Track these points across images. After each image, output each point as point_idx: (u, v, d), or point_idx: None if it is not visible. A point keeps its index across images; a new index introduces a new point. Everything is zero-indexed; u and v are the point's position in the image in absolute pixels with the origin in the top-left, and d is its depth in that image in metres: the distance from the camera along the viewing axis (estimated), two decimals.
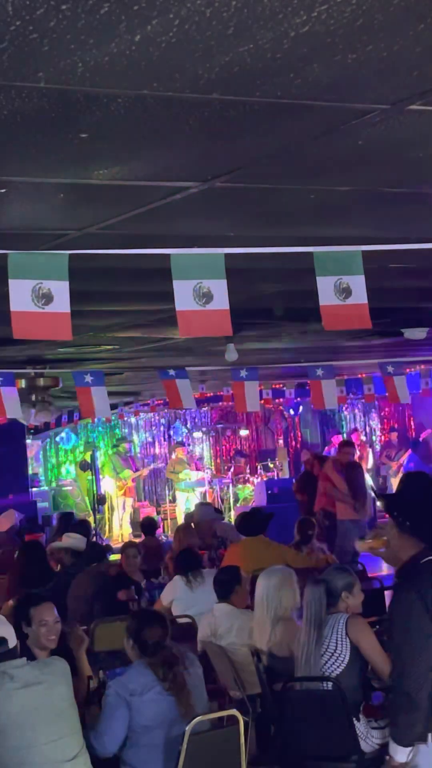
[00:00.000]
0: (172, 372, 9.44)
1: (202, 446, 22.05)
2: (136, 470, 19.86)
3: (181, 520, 16.78)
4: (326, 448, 19.97)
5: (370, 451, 20.94)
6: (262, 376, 10.38)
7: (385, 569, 11.63)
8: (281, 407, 21.06)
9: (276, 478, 19.72)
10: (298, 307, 7.23)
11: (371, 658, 5.12)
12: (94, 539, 12.08)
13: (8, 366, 9.37)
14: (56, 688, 4.63)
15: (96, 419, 18.83)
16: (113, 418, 19.70)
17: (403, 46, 2.59)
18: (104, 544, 12.58)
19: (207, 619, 6.92)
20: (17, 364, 9.86)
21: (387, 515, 4.04)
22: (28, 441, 18.23)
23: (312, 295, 4.42)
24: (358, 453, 19.55)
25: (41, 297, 4.01)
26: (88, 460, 18.78)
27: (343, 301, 4.38)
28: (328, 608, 5.36)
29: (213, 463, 21.72)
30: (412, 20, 2.44)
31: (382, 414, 22.29)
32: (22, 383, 10.00)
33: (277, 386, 14.86)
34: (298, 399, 18.74)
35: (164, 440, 22.20)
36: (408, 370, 13.70)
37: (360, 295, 4.39)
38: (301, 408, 20.95)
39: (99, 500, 17.90)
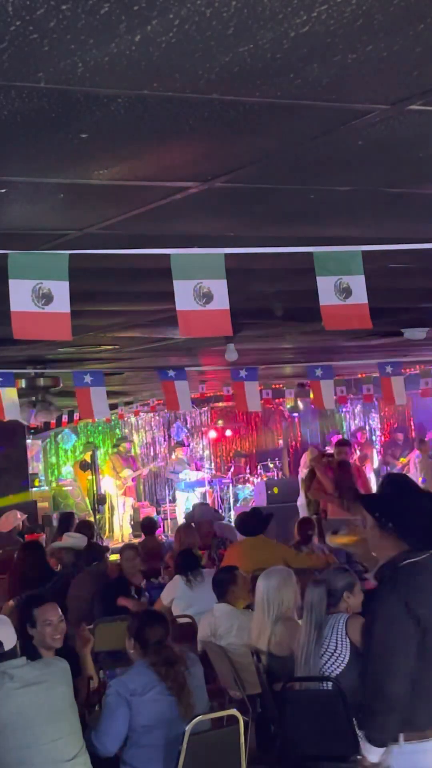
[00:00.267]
0: (171, 373, 9.44)
1: (202, 446, 22.06)
2: (136, 470, 19.85)
3: (181, 520, 16.78)
4: (326, 448, 19.96)
5: (374, 450, 20.96)
6: (261, 376, 10.39)
7: None
8: (281, 407, 21.05)
9: (276, 478, 19.72)
10: (298, 307, 7.23)
11: None
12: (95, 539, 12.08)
13: (8, 366, 9.38)
14: (56, 688, 4.64)
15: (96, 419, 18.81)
16: (113, 418, 19.70)
17: (403, 46, 2.59)
18: (104, 544, 12.57)
19: (207, 619, 6.93)
20: (17, 364, 9.86)
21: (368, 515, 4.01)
22: (28, 441, 18.22)
23: (312, 295, 4.42)
24: (358, 453, 19.59)
25: (41, 297, 4.01)
26: (88, 460, 18.78)
27: (343, 301, 4.38)
28: (328, 608, 5.36)
29: (213, 463, 21.72)
30: (412, 20, 2.44)
31: (382, 414, 22.29)
32: (22, 383, 10.00)
33: (278, 386, 14.86)
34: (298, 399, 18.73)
35: (164, 440, 22.20)
36: (408, 371, 13.70)
37: (360, 295, 4.39)
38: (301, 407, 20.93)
39: (99, 500, 17.90)
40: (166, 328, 8.14)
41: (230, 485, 19.41)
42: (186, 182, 3.90)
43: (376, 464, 20.36)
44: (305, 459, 16.70)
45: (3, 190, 3.81)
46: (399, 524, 3.82)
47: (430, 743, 3.70)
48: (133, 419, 21.61)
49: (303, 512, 14.50)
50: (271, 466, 20.38)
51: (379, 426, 22.42)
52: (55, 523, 14.66)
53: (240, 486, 19.67)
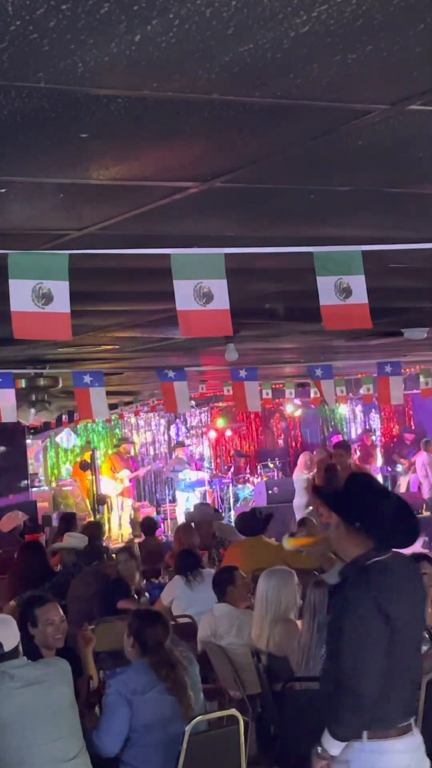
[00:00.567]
0: (171, 374, 9.42)
1: (202, 446, 22.06)
2: (135, 471, 19.85)
3: (181, 520, 16.78)
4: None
5: (378, 452, 20.96)
6: (262, 376, 10.39)
7: None
8: (281, 407, 21.06)
9: (276, 478, 19.72)
10: (298, 307, 7.23)
11: None
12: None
13: (8, 366, 9.37)
14: (57, 688, 4.64)
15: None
16: (113, 418, 19.70)
17: (403, 46, 2.59)
18: (104, 545, 12.58)
19: (207, 619, 6.93)
20: (17, 364, 9.86)
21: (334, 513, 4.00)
22: (28, 441, 18.23)
23: (312, 295, 4.42)
24: (358, 453, 19.60)
25: (41, 297, 4.01)
26: (88, 460, 18.78)
27: (344, 301, 4.38)
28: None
29: (213, 463, 21.73)
30: (412, 20, 2.44)
31: (383, 414, 22.29)
32: (22, 383, 9.99)
33: (278, 386, 14.85)
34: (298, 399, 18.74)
35: (164, 440, 22.20)
36: (409, 371, 13.70)
37: (360, 295, 4.39)
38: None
39: (99, 500, 17.91)
40: (166, 328, 8.13)
41: (230, 485, 19.41)
42: (186, 182, 3.90)
43: (379, 464, 20.36)
44: (303, 460, 16.71)
45: (3, 190, 3.81)
46: (367, 522, 3.83)
47: (391, 743, 3.72)
48: (133, 419, 21.62)
49: (300, 514, 14.52)
50: (271, 466, 20.39)
51: (379, 426, 22.43)
52: (55, 523, 14.67)
53: (240, 486, 19.67)
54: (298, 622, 5.99)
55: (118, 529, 18.85)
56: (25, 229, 4.53)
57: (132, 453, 20.53)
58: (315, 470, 15.32)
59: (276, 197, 4.34)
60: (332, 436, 21.42)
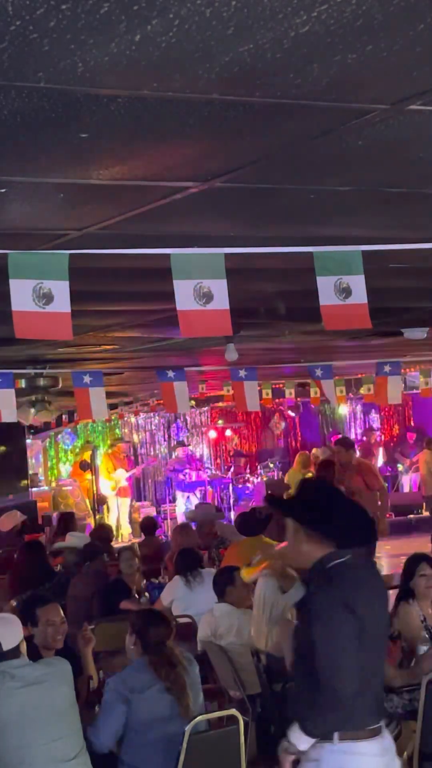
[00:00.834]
0: (170, 374, 9.42)
1: (202, 446, 22.06)
2: (130, 470, 19.81)
3: (181, 520, 16.78)
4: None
5: (381, 451, 20.96)
6: (262, 375, 10.39)
7: (385, 569, 11.62)
8: (281, 407, 21.05)
9: (276, 478, 19.72)
10: (298, 307, 7.23)
11: None
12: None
13: (8, 366, 9.38)
14: (57, 688, 4.64)
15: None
16: (113, 418, 19.69)
17: (403, 46, 2.59)
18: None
19: (207, 618, 6.93)
20: (17, 364, 9.86)
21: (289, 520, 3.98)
22: (28, 441, 18.22)
23: (312, 295, 4.42)
24: (358, 452, 19.58)
25: (42, 297, 4.02)
26: (88, 460, 18.77)
27: (343, 301, 4.38)
28: None
29: (213, 463, 21.72)
30: (412, 20, 2.44)
31: (383, 414, 22.29)
32: (22, 383, 9.99)
33: (278, 386, 14.85)
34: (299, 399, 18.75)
35: (164, 440, 22.19)
36: (409, 371, 13.70)
37: (360, 295, 4.40)
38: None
39: (99, 500, 17.90)
40: (166, 328, 8.14)
41: (230, 485, 19.41)
42: (186, 182, 3.90)
43: (380, 463, 20.35)
44: (300, 459, 16.72)
45: (3, 190, 3.81)
46: (328, 524, 3.81)
47: (362, 745, 3.72)
48: (132, 419, 21.61)
49: None
50: (272, 466, 20.38)
51: (379, 426, 22.42)
52: (55, 523, 14.66)
53: (240, 486, 19.67)
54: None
55: (116, 529, 18.85)
56: (25, 229, 4.53)
57: (129, 453, 20.51)
58: (312, 469, 15.32)
59: (276, 197, 4.34)
60: (332, 435, 21.41)
